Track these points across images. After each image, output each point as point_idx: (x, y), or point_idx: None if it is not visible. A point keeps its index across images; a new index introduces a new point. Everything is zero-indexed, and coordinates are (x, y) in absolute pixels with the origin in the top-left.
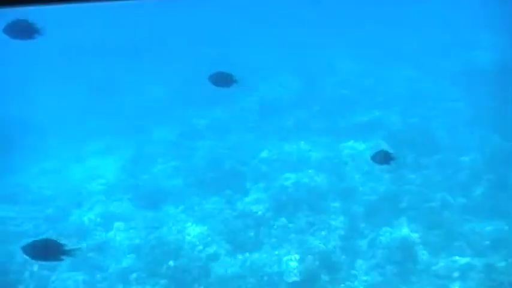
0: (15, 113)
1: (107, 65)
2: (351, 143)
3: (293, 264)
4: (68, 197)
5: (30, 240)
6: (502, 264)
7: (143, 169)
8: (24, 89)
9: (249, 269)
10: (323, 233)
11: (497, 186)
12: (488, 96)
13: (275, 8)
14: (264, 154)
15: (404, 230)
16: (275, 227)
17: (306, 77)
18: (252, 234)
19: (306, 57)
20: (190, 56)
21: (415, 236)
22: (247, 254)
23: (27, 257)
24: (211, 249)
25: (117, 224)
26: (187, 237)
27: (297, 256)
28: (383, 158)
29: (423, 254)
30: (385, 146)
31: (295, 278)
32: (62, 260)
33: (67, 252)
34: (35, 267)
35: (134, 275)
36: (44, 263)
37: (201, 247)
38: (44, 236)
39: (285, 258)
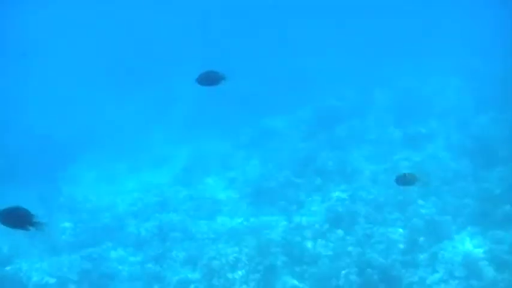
0: (72, 125)
1: (158, 77)
2: (407, 153)
3: (352, 277)
4: (123, 208)
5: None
6: None
7: (197, 180)
8: (79, 103)
9: (307, 282)
10: (382, 246)
11: None
12: None
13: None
14: (319, 165)
15: (467, 245)
16: (332, 239)
17: (361, 87)
18: (309, 246)
19: (361, 68)
20: (245, 65)
21: (478, 251)
22: (304, 267)
23: None
24: (268, 261)
25: (173, 235)
26: (245, 249)
27: (356, 269)
28: (406, 180)
29: (488, 271)
30: (443, 157)
31: None
32: (28, 230)
33: (34, 224)
34: (94, 276)
35: (192, 287)
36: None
37: (258, 259)
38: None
39: (343, 272)
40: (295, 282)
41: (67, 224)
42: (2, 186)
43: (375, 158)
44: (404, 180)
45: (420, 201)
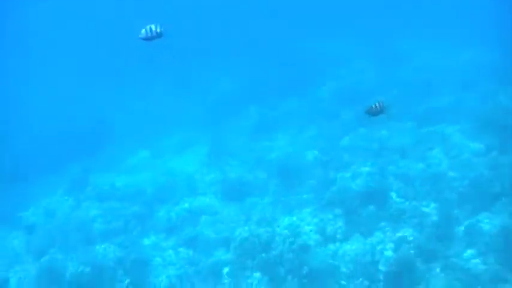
0: (97, 114)
1: (183, 62)
2: (435, 127)
3: (388, 253)
4: (152, 193)
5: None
6: None
7: (224, 162)
8: (108, 90)
9: (341, 259)
10: (415, 220)
11: None
12: None
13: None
14: (345, 142)
15: (504, 216)
16: (364, 215)
17: (382, 63)
18: (341, 223)
19: (381, 45)
20: (261, 48)
21: None
22: (338, 244)
23: None
24: (301, 241)
25: (204, 218)
26: (277, 229)
27: (391, 245)
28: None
29: None
30: (471, 129)
31: (391, 267)
32: None
33: None
34: (128, 264)
35: (226, 269)
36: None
37: (292, 239)
38: None
39: (378, 247)
40: (329, 260)
41: (97, 212)
42: (32, 175)
43: (400, 133)
44: (373, 110)
45: (451, 174)
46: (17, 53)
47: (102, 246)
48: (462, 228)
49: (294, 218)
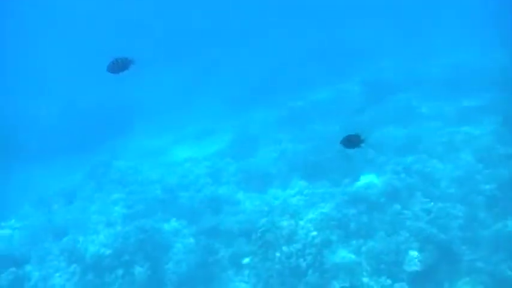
0: (120, 100)
1: (206, 51)
2: (464, 128)
3: (413, 253)
4: (174, 179)
5: None
6: None
7: (247, 152)
8: (126, 78)
9: (364, 256)
10: (441, 221)
11: None
12: None
13: None
14: (371, 138)
15: None
16: (389, 213)
17: (409, 60)
18: (365, 220)
19: (408, 42)
20: (286, 40)
21: None
22: (361, 241)
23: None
24: (324, 235)
25: (226, 207)
26: (300, 222)
27: (417, 244)
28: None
29: None
30: (501, 132)
31: (415, 268)
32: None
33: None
34: (149, 248)
35: (247, 260)
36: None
37: (314, 233)
38: None
39: (403, 247)
40: (352, 256)
41: (119, 196)
42: (55, 158)
43: (429, 132)
44: (349, 142)
45: (479, 176)
46: (49, 42)
47: (124, 229)
48: (489, 231)
49: (317, 212)
